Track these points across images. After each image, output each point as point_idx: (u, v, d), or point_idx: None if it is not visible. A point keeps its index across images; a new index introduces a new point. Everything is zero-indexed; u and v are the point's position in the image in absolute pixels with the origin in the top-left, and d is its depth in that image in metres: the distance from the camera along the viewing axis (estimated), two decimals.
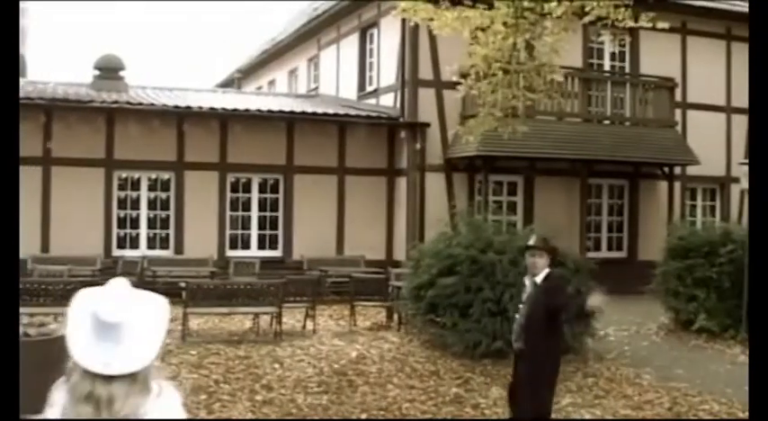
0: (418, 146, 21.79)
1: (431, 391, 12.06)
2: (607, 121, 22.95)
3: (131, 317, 3.25)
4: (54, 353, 10.60)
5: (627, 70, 24.19)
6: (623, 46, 22.79)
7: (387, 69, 23.31)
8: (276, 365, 13.38)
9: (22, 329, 10.80)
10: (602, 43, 23.62)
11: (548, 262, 8.95)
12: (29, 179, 20.49)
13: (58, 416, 3.43)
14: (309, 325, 16.57)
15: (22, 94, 20.90)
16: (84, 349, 3.26)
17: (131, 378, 3.23)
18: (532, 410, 8.80)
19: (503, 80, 14.83)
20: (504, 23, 14.25)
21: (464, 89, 15.29)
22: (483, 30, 14.48)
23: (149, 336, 3.28)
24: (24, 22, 30.66)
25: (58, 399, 3.43)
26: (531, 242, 9.31)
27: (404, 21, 21.26)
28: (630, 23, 13.75)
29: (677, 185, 23.89)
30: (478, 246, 14.30)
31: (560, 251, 9.62)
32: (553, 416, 9.84)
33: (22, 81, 25.42)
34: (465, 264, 14.15)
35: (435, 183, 21.93)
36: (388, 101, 23.11)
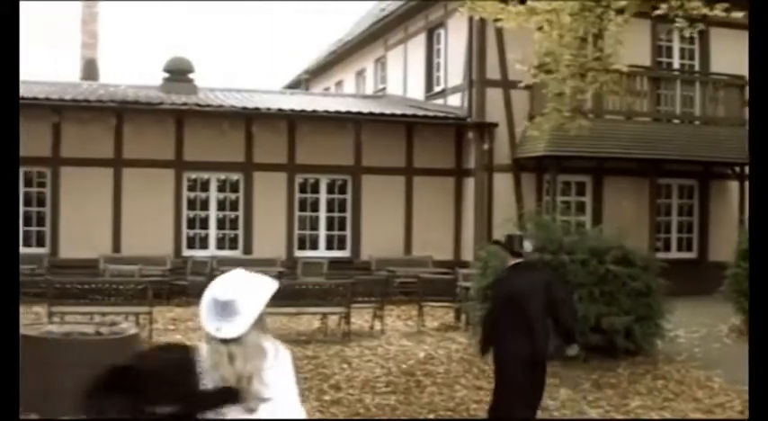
0: (486, 146, 21.74)
1: None
2: (677, 120, 22.68)
3: (236, 297, 4.40)
4: (125, 352, 10.82)
5: (696, 68, 23.88)
6: (693, 42, 22.52)
7: (454, 69, 23.27)
8: (344, 365, 13.43)
9: (94, 328, 10.99)
10: (670, 41, 23.34)
11: (511, 255, 9.33)
12: (100, 180, 20.89)
13: (206, 363, 4.42)
14: (377, 325, 16.61)
15: (93, 97, 21.28)
16: (206, 319, 4.43)
17: (240, 341, 4.38)
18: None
19: (569, 74, 14.75)
20: (571, 16, 14.17)
21: (530, 80, 15.23)
22: (549, 23, 14.41)
23: (249, 311, 4.43)
24: (94, 26, 31.11)
25: (202, 351, 4.48)
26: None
27: (471, 20, 21.24)
28: (705, 11, 13.54)
29: (749, 185, 23.55)
30: (551, 248, 14.21)
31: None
32: (619, 416, 9.79)
33: (94, 84, 25.83)
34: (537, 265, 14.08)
35: (503, 184, 21.86)
36: (455, 101, 23.08)
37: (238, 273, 4.64)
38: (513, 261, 9.34)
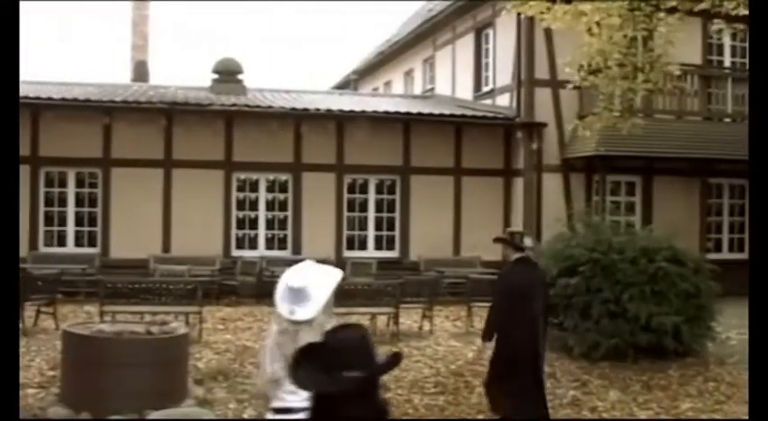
0: (535, 146, 21.66)
1: (548, 394, 11.95)
2: (728, 119, 22.45)
3: (307, 284, 5.47)
4: (175, 350, 10.86)
5: (748, 66, 23.63)
6: (744, 40, 22.29)
7: (502, 69, 23.21)
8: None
9: (144, 327, 11.09)
10: (721, 39, 23.11)
11: (514, 250, 10.21)
12: (151, 181, 21.08)
13: (272, 341, 5.71)
14: (426, 325, 16.60)
15: (144, 98, 21.47)
16: (280, 304, 5.50)
17: (309, 323, 5.44)
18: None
19: (619, 73, 14.66)
20: (619, 16, 14.08)
21: (579, 82, 15.16)
22: (598, 23, 14.33)
23: (318, 297, 5.45)
24: (144, 28, 31.37)
25: (272, 329, 5.81)
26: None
27: (519, 20, 21.18)
28: (743, 11, 13.42)
29: (749, 185, 23.26)
30: (600, 248, 14.15)
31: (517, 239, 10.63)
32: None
33: (144, 85, 26.06)
34: (588, 265, 14.01)
35: (552, 184, 21.76)
36: (504, 101, 23.02)
37: (308, 264, 5.81)
38: (516, 256, 10.10)
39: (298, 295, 5.47)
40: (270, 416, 5.94)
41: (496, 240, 11.79)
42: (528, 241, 10.45)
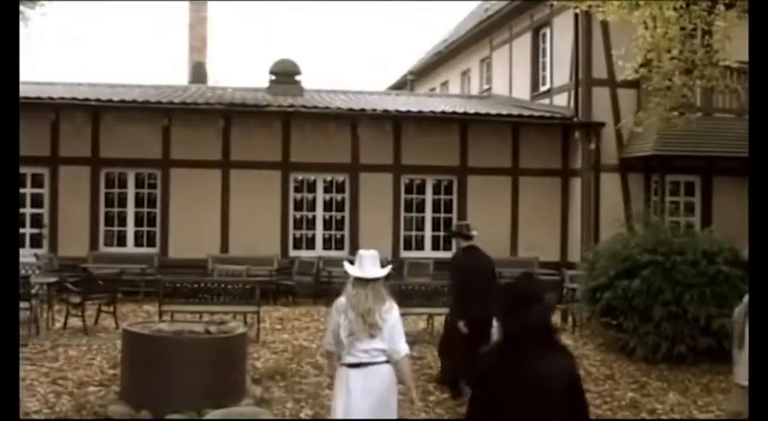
0: (593, 146, 21.50)
1: (606, 395, 11.92)
2: None
3: (374, 256, 7.65)
4: (234, 349, 10.91)
5: (748, 66, 23.18)
6: None
7: (560, 69, 23.08)
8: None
9: (203, 327, 11.17)
10: None
11: (464, 239, 12.15)
12: (209, 182, 21.24)
13: (341, 308, 7.49)
14: None
15: (202, 100, 21.65)
16: (357, 269, 7.56)
17: (374, 286, 7.48)
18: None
19: (673, 68, 14.52)
20: (675, 9, 13.95)
21: (631, 75, 15.03)
22: (652, 17, 14.21)
23: (380, 270, 7.62)
24: (202, 30, 31.59)
25: (340, 300, 7.56)
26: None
27: (577, 19, 21.04)
28: None
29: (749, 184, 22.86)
30: (661, 250, 14.02)
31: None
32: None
33: (202, 87, 26.28)
34: (649, 266, 13.89)
35: (610, 184, 21.58)
36: (561, 100, 22.89)
37: (371, 251, 7.82)
38: (465, 244, 12.07)
39: (372, 261, 7.66)
40: (344, 370, 7.45)
41: (448, 233, 13.54)
42: (474, 232, 12.20)
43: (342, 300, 7.51)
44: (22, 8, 43.16)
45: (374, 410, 7.32)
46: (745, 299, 9.44)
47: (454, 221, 22.40)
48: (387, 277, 7.77)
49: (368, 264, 7.54)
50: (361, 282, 7.45)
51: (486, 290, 10.32)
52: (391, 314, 7.44)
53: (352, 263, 7.75)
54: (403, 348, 7.47)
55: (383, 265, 7.73)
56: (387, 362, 7.41)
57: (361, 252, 7.69)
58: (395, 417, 7.60)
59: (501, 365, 5.26)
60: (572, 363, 5.43)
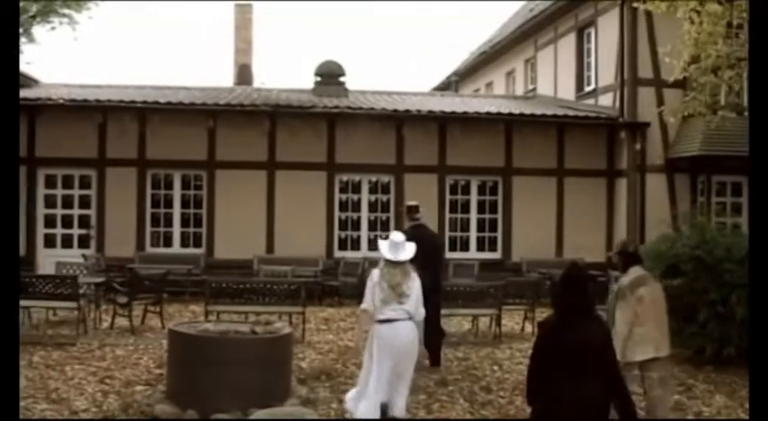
0: (638, 146, 21.39)
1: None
2: None
3: (402, 241, 9.74)
4: (279, 350, 10.93)
5: (748, 66, 22.85)
6: None
7: (605, 69, 22.98)
8: (495, 367, 13.41)
9: (249, 327, 11.22)
10: None
11: (410, 219, 13.79)
12: (254, 183, 21.36)
13: (376, 279, 9.56)
14: (528, 327, 16.51)
15: (247, 101, 21.76)
16: (387, 252, 9.62)
17: (403, 266, 9.64)
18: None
19: (715, 65, 14.40)
20: (720, 3, 13.82)
21: (678, 74, 14.91)
22: (698, 12, 14.08)
23: (410, 250, 9.73)
24: (247, 32, 31.78)
25: (376, 271, 9.66)
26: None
27: (622, 18, 20.97)
28: None
29: (749, 184, 22.59)
30: (705, 248, 13.88)
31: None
32: None
33: (248, 88, 26.41)
34: (690, 264, 13.76)
35: (656, 184, 21.45)
36: (606, 101, 22.79)
37: (398, 233, 10.12)
38: (412, 223, 13.61)
39: (398, 247, 9.78)
40: (377, 325, 9.58)
41: (399, 211, 15.89)
42: (422, 211, 13.85)
43: (376, 271, 9.77)
44: (69, 11, 43.59)
45: (399, 356, 9.54)
46: (615, 286, 11.01)
47: (499, 223, 22.43)
48: (413, 259, 9.84)
49: (398, 249, 9.73)
50: (393, 262, 9.67)
51: (426, 259, 10.90)
52: (415, 286, 9.74)
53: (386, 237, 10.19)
54: (422, 312, 9.90)
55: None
56: (410, 319, 9.66)
57: (393, 237, 9.92)
58: (414, 363, 9.91)
59: (554, 332, 7.15)
60: (606, 330, 7.38)
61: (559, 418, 6.97)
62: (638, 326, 9.96)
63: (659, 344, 9.96)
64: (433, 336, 12.98)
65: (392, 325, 9.53)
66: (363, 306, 9.79)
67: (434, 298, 12.23)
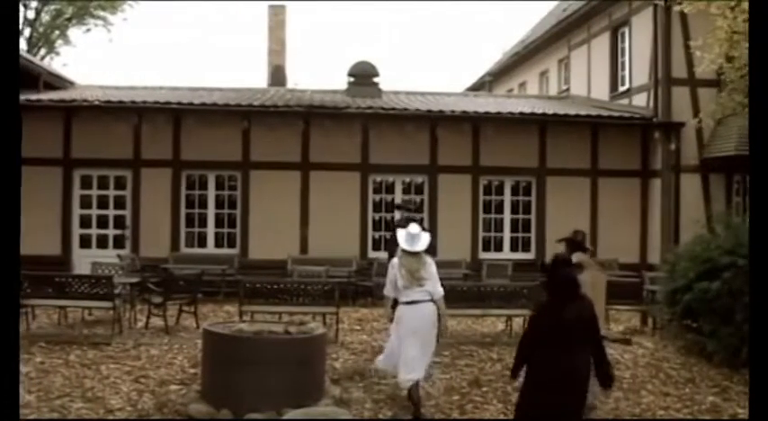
0: (673, 146, 21.28)
1: (686, 399, 11.80)
2: None
3: (419, 233, 11.12)
4: (313, 350, 10.99)
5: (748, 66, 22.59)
6: None
7: (639, 68, 22.88)
8: None
9: (283, 327, 11.27)
10: None
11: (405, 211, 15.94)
12: (288, 183, 21.43)
13: (396, 267, 10.96)
14: None
15: (281, 102, 21.82)
16: (403, 242, 10.97)
17: (418, 255, 10.97)
18: None
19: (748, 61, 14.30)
20: None
21: (708, 67, 14.81)
22: (732, 8, 13.99)
23: (424, 240, 11.06)
24: (281, 33, 31.86)
25: (395, 260, 11.04)
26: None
27: (656, 18, 20.88)
28: None
29: (749, 184, 22.38)
30: (742, 252, 13.79)
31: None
32: None
33: (281, 90, 26.50)
34: (729, 268, 13.68)
35: (691, 185, 21.33)
36: (640, 100, 22.68)
37: (416, 226, 11.37)
38: (407, 215, 15.26)
39: (414, 238, 11.08)
40: (402, 307, 10.87)
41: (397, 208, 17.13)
42: (412, 205, 15.97)
43: (396, 260, 11.13)
44: (104, 14, 43.75)
45: (421, 333, 10.77)
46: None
47: (533, 223, 22.38)
48: (428, 249, 11.25)
49: (414, 240, 11.05)
50: (410, 252, 10.99)
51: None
52: (431, 270, 11.03)
53: (405, 225, 11.97)
54: (439, 291, 11.01)
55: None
56: (430, 300, 10.88)
57: (410, 229, 11.25)
58: (435, 339, 11.16)
59: (544, 312, 8.53)
60: (590, 306, 8.51)
61: (551, 386, 8.11)
62: None
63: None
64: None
65: (415, 306, 10.80)
66: (385, 292, 11.33)
67: None
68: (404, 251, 11.03)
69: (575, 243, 12.16)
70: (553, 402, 8.11)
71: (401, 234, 11.22)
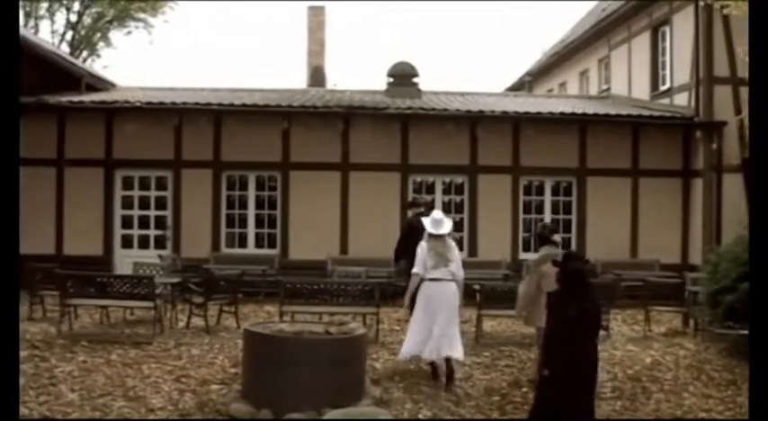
0: (714, 146, 21.10)
1: (728, 401, 11.70)
2: None
3: (443, 218, 12.55)
4: (353, 350, 11.01)
5: (748, 66, 22.03)
6: None
7: (680, 67, 22.72)
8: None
9: (323, 327, 11.30)
10: None
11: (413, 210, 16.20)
12: (328, 184, 21.48)
13: (425, 249, 12.29)
14: (602, 329, 16.37)
15: (321, 103, 21.88)
16: (429, 226, 12.37)
17: (443, 238, 12.38)
18: None
19: None
20: None
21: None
22: None
23: (448, 225, 12.56)
24: (320, 34, 31.95)
25: (423, 243, 12.40)
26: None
27: (697, 16, 20.73)
28: None
29: (750, 184, 22.08)
30: None
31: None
32: None
33: (321, 90, 26.58)
34: None
35: (733, 185, 21.12)
36: (682, 100, 22.52)
37: (439, 212, 12.83)
38: (416, 210, 15.73)
39: (439, 223, 12.38)
40: (427, 283, 12.13)
41: (407, 207, 17.53)
42: (422, 200, 16.74)
43: (424, 243, 12.38)
44: (144, 16, 44.03)
45: (444, 309, 12.00)
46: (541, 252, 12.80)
47: (573, 224, 22.29)
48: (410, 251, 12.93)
49: (439, 225, 12.38)
50: (435, 235, 12.31)
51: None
52: (455, 253, 12.43)
53: (414, 223, 14.45)
54: (461, 274, 12.35)
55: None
56: (453, 280, 12.20)
57: (434, 215, 12.63)
58: (458, 315, 12.40)
59: (554, 302, 9.26)
60: (594, 306, 9.23)
61: (561, 371, 8.84)
62: (543, 296, 11.15)
63: None
64: None
65: (439, 283, 12.12)
66: (415, 270, 12.35)
67: None
68: (430, 235, 12.39)
69: (542, 237, 12.98)
70: (563, 388, 8.81)
71: (427, 220, 12.61)
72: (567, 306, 8.95)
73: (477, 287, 15.73)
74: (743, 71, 18.89)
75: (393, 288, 19.75)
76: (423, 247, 12.39)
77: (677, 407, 11.29)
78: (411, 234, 14.66)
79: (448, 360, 12.00)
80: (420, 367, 12.84)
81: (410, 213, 16.30)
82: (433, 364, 12.32)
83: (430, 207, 16.48)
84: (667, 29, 23.74)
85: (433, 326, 11.97)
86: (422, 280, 12.22)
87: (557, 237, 13.07)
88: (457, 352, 12.01)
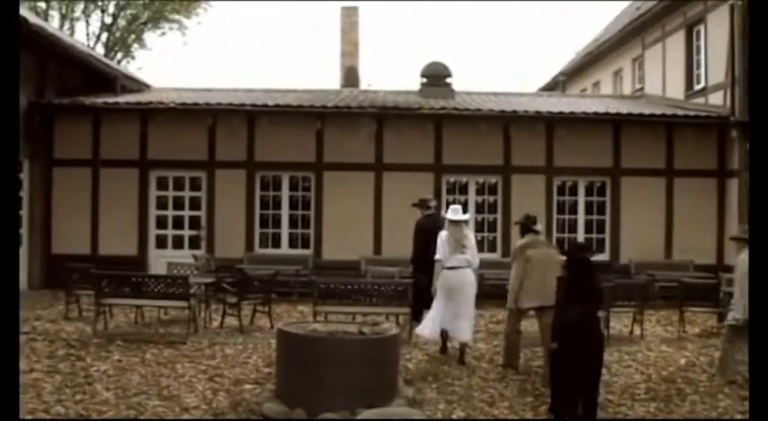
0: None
1: None
2: None
3: (459, 208, 13.97)
4: (387, 350, 11.02)
5: (748, 67, 21.78)
6: None
7: (715, 66, 22.57)
8: (603, 370, 13.26)
9: (357, 327, 11.30)
10: None
11: (424, 210, 16.91)
12: (362, 184, 21.52)
13: (445, 236, 13.49)
14: (637, 330, 16.31)
15: (354, 103, 21.91)
16: (450, 214, 13.70)
17: (461, 225, 13.57)
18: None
19: None
20: None
21: None
22: None
23: (463, 216, 13.83)
24: (354, 34, 31.98)
25: (443, 232, 13.59)
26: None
27: (732, 15, 20.58)
28: None
29: (749, 184, 21.94)
30: None
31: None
32: None
33: (354, 91, 26.61)
34: None
35: None
36: (717, 99, 22.37)
37: (457, 206, 14.14)
38: (427, 212, 16.73)
39: (458, 211, 13.62)
40: (445, 271, 13.29)
41: (414, 205, 17.42)
42: (433, 203, 17.16)
43: (444, 232, 13.48)
44: (179, 17, 44.28)
45: (461, 294, 13.25)
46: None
47: (607, 224, 22.20)
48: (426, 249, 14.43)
49: (458, 213, 13.64)
50: (454, 222, 13.47)
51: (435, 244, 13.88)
52: (472, 241, 13.62)
53: (423, 223, 16.05)
54: (477, 262, 13.67)
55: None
56: (469, 267, 13.37)
57: (453, 206, 14.07)
58: (474, 300, 13.51)
59: (566, 290, 10.21)
60: (598, 288, 10.53)
61: (568, 343, 9.95)
62: (527, 280, 12.68)
63: (544, 295, 11.97)
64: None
65: (456, 271, 13.27)
66: (437, 256, 13.42)
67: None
68: (450, 221, 13.60)
69: (525, 226, 13.47)
70: (572, 357, 9.89)
71: (449, 210, 14.01)
72: (575, 289, 10.08)
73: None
74: None
75: None
76: (442, 236, 13.58)
77: (712, 409, 11.20)
78: (426, 235, 15.52)
79: (461, 343, 13.49)
80: (453, 368, 12.83)
81: (426, 213, 16.84)
82: (443, 336, 13.79)
83: (438, 209, 17.54)
84: (702, 27, 23.61)
85: (448, 313, 13.34)
86: (442, 268, 13.39)
87: (539, 227, 13.55)
88: (466, 336, 13.46)
